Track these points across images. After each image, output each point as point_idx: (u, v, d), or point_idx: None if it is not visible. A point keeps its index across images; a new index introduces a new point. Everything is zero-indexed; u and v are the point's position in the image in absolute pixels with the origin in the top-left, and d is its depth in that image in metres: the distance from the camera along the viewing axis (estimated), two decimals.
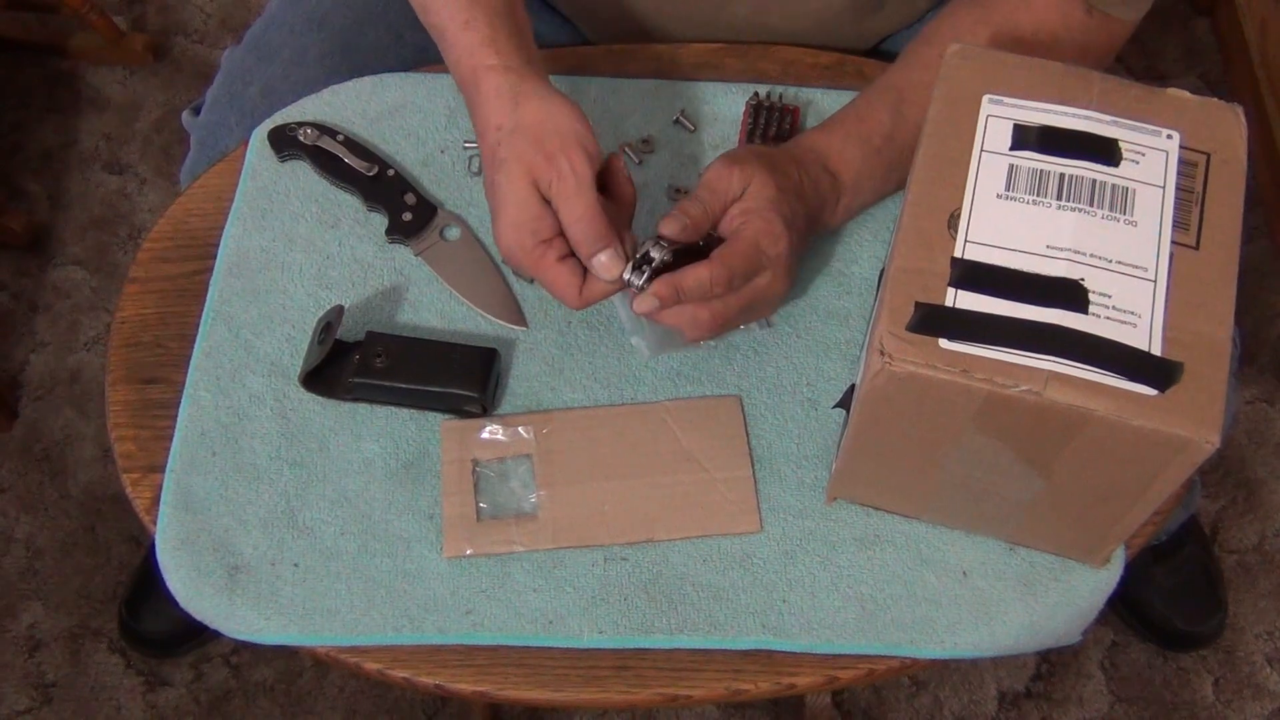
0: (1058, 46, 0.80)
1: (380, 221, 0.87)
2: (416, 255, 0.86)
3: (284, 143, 0.89)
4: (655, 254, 0.75)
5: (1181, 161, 0.67)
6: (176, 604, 0.77)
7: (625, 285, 0.75)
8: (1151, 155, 0.67)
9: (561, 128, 0.74)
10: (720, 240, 0.76)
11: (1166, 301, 0.63)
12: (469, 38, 0.78)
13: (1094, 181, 0.66)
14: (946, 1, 0.88)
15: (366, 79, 0.93)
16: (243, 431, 0.80)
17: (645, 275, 0.74)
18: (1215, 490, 1.50)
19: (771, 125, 0.89)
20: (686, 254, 0.75)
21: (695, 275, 0.73)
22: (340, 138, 0.88)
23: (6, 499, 1.51)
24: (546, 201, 0.74)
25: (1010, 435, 0.65)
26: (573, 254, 0.75)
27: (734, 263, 0.74)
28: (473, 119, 0.79)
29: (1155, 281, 0.63)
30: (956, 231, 0.65)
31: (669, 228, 0.75)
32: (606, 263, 0.74)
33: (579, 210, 0.73)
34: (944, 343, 0.62)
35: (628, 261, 0.75)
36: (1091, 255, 0.64)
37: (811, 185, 0.80)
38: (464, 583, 0.75)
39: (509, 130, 0.75)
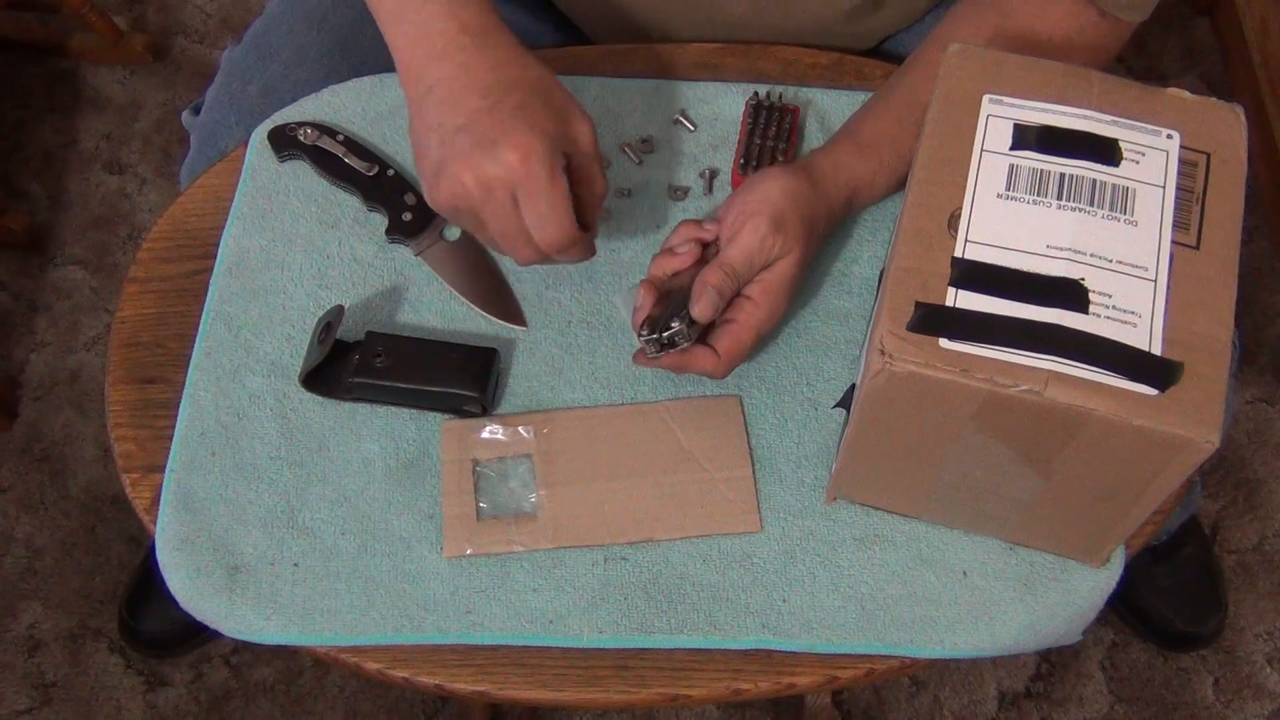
0: (1073, 53, 0.80)
1: (380, 221, 0.87)
2: (416, 255, 0.86)
3: (284, 142, 0.89)
4: (680, 341, 0.76)
5: (1181, 161, 0.67)
6: (176, 604, 0.77)
7: (641, 350, 0.78)
8: (1151, 155, 0.67)
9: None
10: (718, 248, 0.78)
11: (1166, 301, 0.63)
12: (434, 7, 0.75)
13: (1094, 181, 0.66)
14: (947, 3, 0.87)
15: (366, 79, 0.93)
16: (243, 431, 0.80)
17: (660, 348, 0.76)
18: (1215, 490, 1.50)
19: (771, 125, 0.89)
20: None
21: (701, 364, 0.77)
22: (340, 137, 0.88)
23: (6, 499, 1.51)
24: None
25: (1010, 435, 0.65)
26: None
27: (736, 357, 0.77)
28: (448, 90, 0.74)
29: (1155, 281, 0.63)
30: (957, 231, 0.65)
31: (704, 311, 0.75)
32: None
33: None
34: (944, 342, 0.62)
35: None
36: (1091, 255, 0.64)
37: (828, 225, 0.82)
38: (464, 583, 0.75)
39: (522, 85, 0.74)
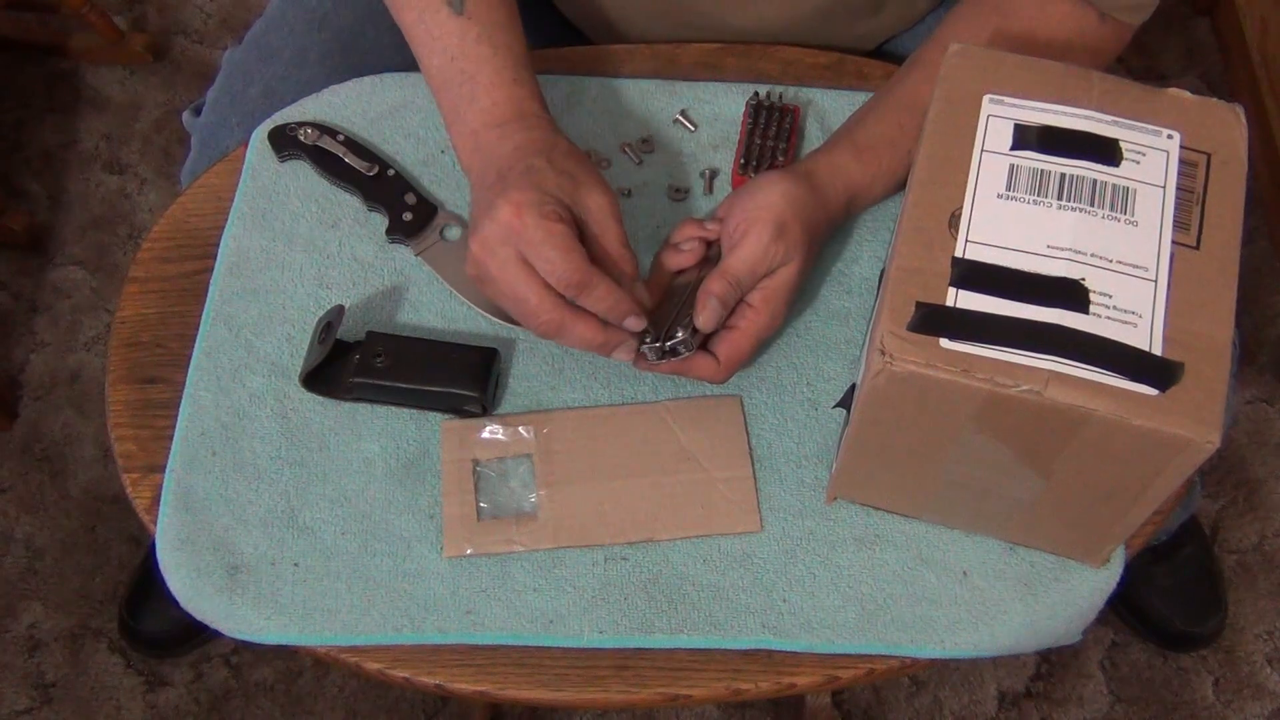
0: (1073, 54, 0.80)
1: (380, 221, 0.87)
2: (416, 255, 0.86)
3: (284, 143, 0.89)
4: (682, 350, 0.76)
5: (1182, 161, 0.67)
6: (176, 604, 0.77)
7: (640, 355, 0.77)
8: (1152, 155, 0.67)
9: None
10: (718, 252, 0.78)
11: (1167, 301, 0.63)
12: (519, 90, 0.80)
13: (1094, 181, 0.66)
14: (948, 4, 0.87)
15: (366, 79, 0.93)
16: (243, 431, 0.80)
17: (662, 355, 0.77)
18: (1215, 490, 1.50)
19: (771, 125, 0.89)
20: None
21: (701, 371, 0.78)
22: (340, 138, 0.88)
23: (6, 499, 1.51)
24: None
25: (1010, 435, 0.65)
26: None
27: (735, 363, 0.78)
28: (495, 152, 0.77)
29: (1155, 281, 0.63)
30: (957, 231, 0.65)
31: (708, 321, 0.75)
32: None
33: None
34: (945, 342, 0.62)
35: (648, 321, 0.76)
36: (1092, 255, 0.64)
37: (828, 230, 0.82)
38: (464, 582, 0.75)
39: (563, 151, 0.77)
